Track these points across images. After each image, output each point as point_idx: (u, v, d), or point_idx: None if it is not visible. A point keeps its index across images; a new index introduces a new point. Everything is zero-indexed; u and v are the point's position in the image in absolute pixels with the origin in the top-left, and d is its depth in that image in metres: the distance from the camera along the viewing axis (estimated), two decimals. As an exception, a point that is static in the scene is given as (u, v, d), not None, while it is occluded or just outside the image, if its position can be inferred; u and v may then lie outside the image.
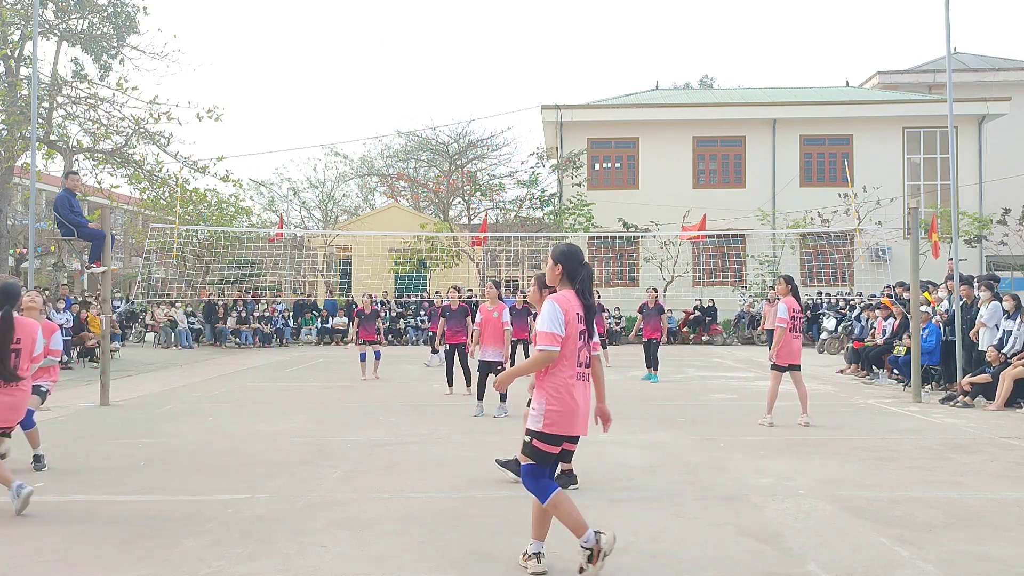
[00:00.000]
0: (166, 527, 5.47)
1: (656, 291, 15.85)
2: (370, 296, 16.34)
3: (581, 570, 4.42)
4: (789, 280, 10.08)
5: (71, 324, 18.19)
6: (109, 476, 7.03)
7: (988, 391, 11.33)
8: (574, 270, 4.68)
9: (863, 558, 4.83)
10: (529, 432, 4.56)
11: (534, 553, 4.57)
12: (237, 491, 6.43)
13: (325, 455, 7.88)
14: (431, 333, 17.85)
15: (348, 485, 6.68)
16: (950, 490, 6.50)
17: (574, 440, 4.61)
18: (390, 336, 26.92)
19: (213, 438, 8.89)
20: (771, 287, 19.14)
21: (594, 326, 4.71)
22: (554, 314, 4.49)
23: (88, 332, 18.74)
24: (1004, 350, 11.39)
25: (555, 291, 4.96)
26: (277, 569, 4.65)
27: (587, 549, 4.40)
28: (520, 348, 14.50)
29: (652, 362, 15.10)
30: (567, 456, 4.79)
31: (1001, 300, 11.75)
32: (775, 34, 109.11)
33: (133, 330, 25.91)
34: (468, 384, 12.13)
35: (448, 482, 6.75)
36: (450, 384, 12.70)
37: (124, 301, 26.12)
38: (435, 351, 17.52)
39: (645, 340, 15.25)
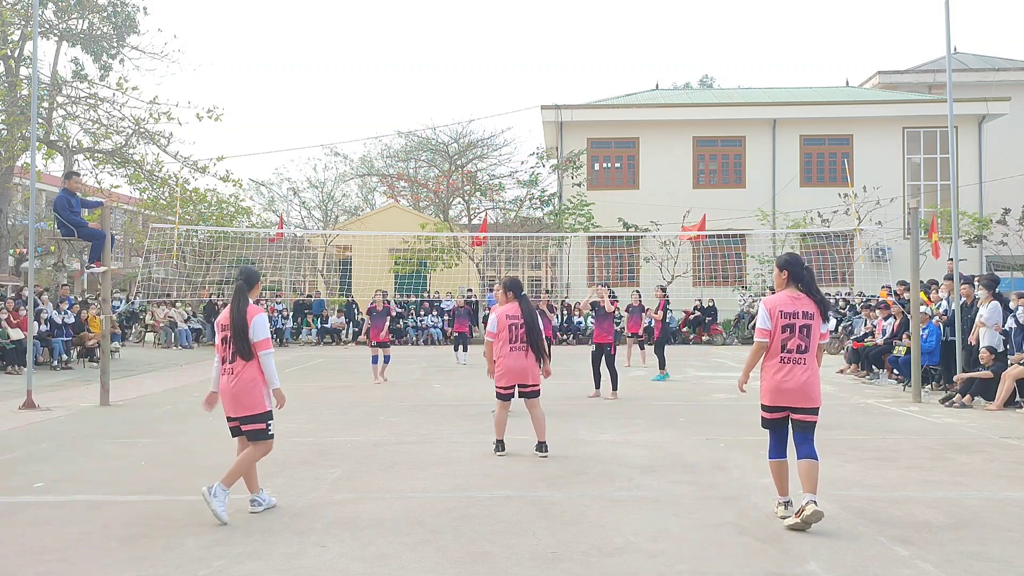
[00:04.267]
0: (166, 527, 5.47)
1: (664, 290, 15.61)
2: (383, 293, 15.65)
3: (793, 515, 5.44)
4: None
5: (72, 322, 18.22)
6: (109, 476, 7.03)
7: (988, 391, 11.31)
8: (798, 274, 5.52)
9: (863, 558, 4.83)
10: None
11: (781, 503, 5.62)
12: (237, 491, 6.43)
13: (325, 455, 7.88)
14: (459, 333, 18.68)
15: (348, 485, 6.68)
16: (950, 490, 6.50)
17: (796, 410, 5.47)
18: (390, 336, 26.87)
19: (213, 438, 8.87)
20: (770, 287, 19.11)
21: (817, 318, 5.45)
22: (763, 313, 5.48)
23: (88, 332, 18.75)
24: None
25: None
26: (277, 569, 4.65)
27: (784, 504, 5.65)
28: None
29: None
30: (798, 424, 5.53)
31: (1002, 299, 11.74)
32: (775, 34, 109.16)
33: (133, 330, 25.90)
34: (614, 388, 12.24)
35: (448, 482, 6.75)
36: (597, 387, 12.43)
37: (124, 301, 26.11)
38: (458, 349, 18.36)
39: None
